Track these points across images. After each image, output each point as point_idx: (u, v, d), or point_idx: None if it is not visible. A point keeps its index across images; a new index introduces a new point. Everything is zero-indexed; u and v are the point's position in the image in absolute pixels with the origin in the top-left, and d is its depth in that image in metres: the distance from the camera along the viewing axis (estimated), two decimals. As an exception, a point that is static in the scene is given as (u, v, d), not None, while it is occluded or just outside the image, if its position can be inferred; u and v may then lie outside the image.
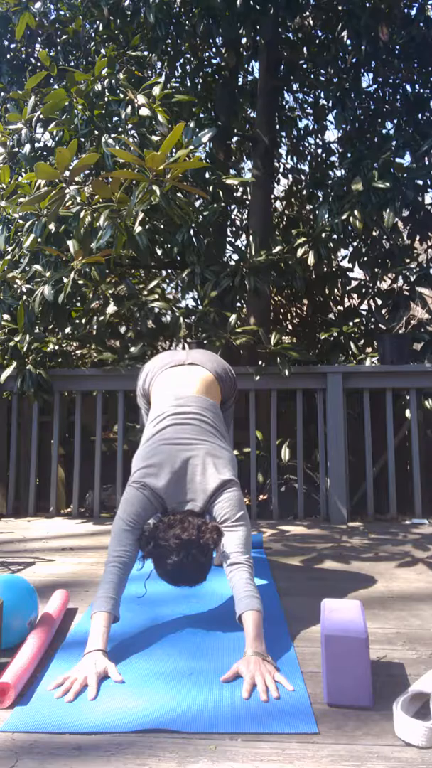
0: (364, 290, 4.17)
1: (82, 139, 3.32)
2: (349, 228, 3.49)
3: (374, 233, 3.98)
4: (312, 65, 4.47)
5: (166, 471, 1.70)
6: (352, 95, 3.86)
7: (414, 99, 4.08)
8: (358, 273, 4.30)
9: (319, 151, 5.36)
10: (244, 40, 4.27)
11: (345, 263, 4.36)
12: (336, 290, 4.59)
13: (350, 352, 3.95)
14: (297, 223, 4.66)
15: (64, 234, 3.11)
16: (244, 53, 4.50)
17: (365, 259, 3.99)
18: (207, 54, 4.75)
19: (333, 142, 5.16)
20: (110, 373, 3.52)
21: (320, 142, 5.34)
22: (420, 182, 3.52)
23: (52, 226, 2.97)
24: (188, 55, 4.59)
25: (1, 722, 1.20)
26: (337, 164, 4.85)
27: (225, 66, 4.38)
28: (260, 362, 3.53)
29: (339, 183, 3.62)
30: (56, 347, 3.74)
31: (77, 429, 3.66)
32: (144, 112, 3.09)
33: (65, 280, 2.95)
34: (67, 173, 2.47)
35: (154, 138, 3.20)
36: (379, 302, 4.05)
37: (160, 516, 1.70)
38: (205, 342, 3.50)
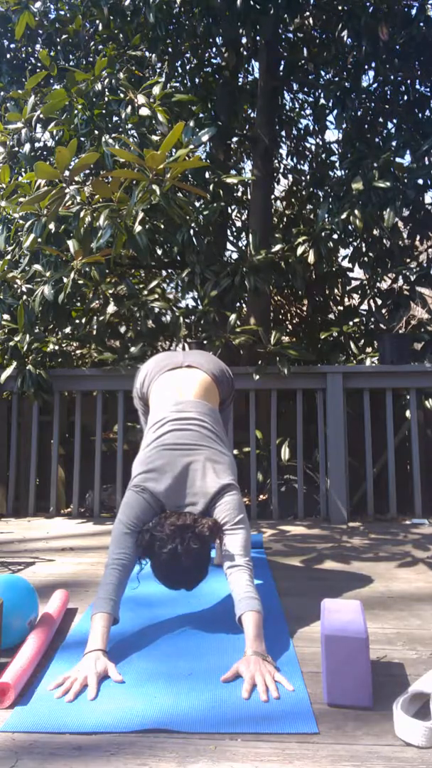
0: (363, 290, 4.17)
1: (82, 139, 3.32)
2: (350, 227, 3.49)
3: (374, 233, 3.98)
4: (312, 65, 4.47)
5: (167, 476, 1.71)
6: (353, 95, 3.86)
7: (414, 98, 4.07)
8: (358, 273, 4.29)
9: (320, 151, 5.36)
10: (244, 40, 4.27)
11: (345, 263, 4.35)
12: (336, 290, 4.59)
13: (350, 352, 3.95)
14: (297, 222, 4.66)
15: (64, 234, 3.11)
16: (244, 53, 4.50)
17: (365, 258, 3.99)
18: (207, 54, 4.74)
19: (333, 142, 5.16)
20: (110, 373, 3.52)
21: (320, 142, 5.33)
22: (420, 182, 3.52)
23: (52, 226, 2.97)
24: (188, 55, 4.59)
25: (1, 722, 1.20)
26: (337, 164, 4.84)
27: (225, 66, 4.38)
28: (260, 362, 3.53)
29: (339, 183, 3.62)
30: (56, 347, 3.74)
31: (77, 429, 3.66)
32: (144, 111, 3.09)
33: (65, 279, 2.95)
34: (67, 173, 2.47)
35: (154, 137, 3.20)
36: (379, 302, 4.05)
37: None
38: (205, 342, 3.50)
